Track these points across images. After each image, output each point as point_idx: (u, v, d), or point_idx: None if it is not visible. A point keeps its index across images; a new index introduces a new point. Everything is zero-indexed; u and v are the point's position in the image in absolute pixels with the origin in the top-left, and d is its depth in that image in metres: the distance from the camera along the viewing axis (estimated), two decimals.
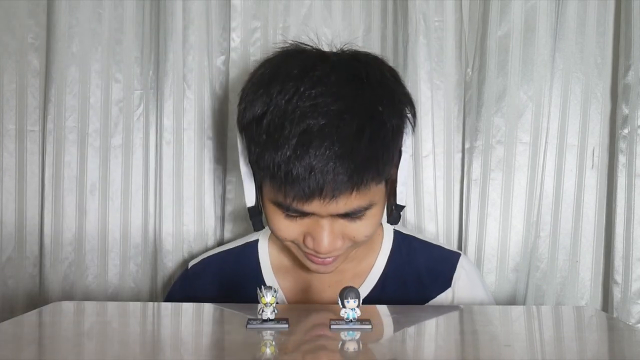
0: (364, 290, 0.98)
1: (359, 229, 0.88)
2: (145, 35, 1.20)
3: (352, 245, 0.90)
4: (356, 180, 0.81)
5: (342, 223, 0.87)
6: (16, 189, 1.22)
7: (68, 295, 1.18)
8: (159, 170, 1.18)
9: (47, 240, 1.18)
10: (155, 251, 1.19)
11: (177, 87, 1.16)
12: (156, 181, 1.19)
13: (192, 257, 1.12)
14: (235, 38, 1.19)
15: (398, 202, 0.91)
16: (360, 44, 1.07)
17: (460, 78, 1.17)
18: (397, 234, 1.03)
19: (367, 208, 0.86)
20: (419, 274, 1.00)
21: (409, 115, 0.89)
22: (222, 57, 1.19)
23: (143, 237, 1.20)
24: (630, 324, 1.07)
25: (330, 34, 1.17)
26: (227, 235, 1.22)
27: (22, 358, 0.64)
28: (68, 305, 0.87)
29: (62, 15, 1.17)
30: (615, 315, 1.10)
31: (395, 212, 0.92)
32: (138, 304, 0.97)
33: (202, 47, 1.16)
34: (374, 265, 1.00)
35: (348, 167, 0.80)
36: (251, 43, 1.19)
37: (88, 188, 1.19)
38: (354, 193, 0.83)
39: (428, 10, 1.14)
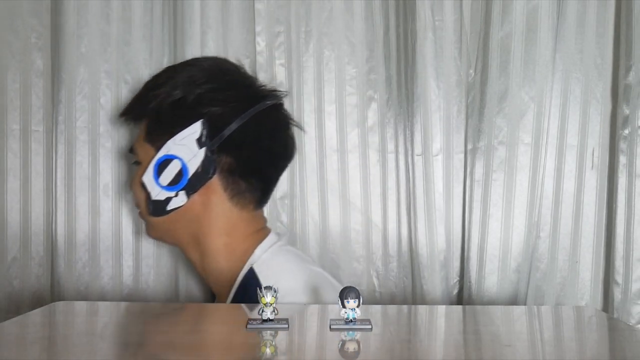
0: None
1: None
2: (154, 37, 1.20)
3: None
4: (135, 103, 1.06)
5: None
6: (21, 189, 1.22)
7: (83, 297, 1.18)
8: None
9: (60, 240, 1.19)
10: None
11: None
12: None
13: None
14: (261, 42, 1.20)
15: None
16: (380, 46, 1.09)
17: (459, 78, 1.17)
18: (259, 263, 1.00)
19: (135, 153, 1.05)
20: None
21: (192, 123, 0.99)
22: (247, 61, 1.20)
23: None
24: (630, 324, 1.07)
25: (352, 36, 1.18)
26: None
27: (21, 358, 0.65)
28: (68, 305, 0.88)
29: (70, 16, 1.18)
30: (615, 315, 1.10)
31: (149, 203, 1.01)
32: (138, 304, 0.97)
33: (226, 51, 1.17)
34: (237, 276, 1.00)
35: (138, 95, 1.06)
36: (275, 47, 1.19)
37: (101, 189, 1.20)
38: (138, 124, 1.06)
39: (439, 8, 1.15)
